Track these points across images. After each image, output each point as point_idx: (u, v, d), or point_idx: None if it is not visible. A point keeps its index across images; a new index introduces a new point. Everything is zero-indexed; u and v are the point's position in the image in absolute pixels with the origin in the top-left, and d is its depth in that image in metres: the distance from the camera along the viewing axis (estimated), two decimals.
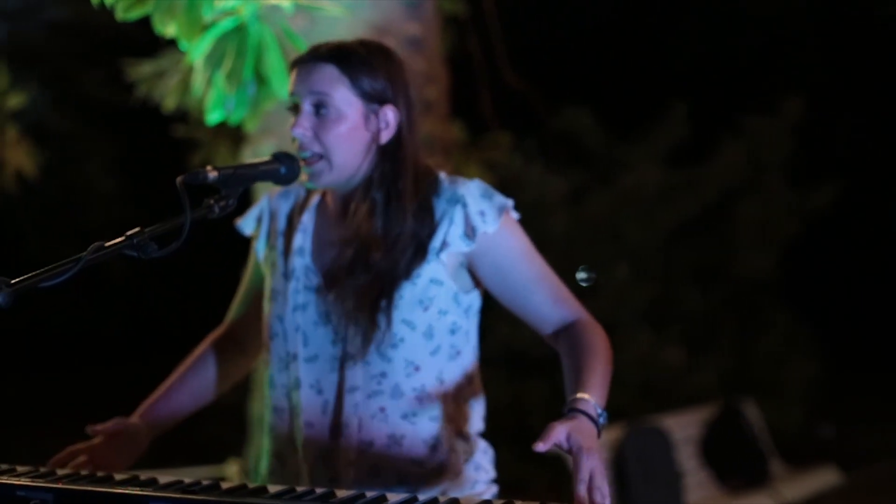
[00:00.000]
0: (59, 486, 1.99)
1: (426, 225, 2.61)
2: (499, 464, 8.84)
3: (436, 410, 2.61)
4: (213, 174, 2.37)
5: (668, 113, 10.84)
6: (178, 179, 2.26)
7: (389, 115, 2.64)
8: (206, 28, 3.63)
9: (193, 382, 2.86)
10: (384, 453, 2.57)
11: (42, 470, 2.25)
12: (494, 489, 2.74)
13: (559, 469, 6.91)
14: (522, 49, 10.46)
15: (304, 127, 2.58)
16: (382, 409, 2.57)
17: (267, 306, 2.72)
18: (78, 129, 12.87)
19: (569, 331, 2.63)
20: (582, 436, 2.27)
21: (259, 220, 2.83)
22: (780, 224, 10.81)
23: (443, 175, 2.71)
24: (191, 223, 2.25)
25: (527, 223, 8.71)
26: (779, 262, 10.84)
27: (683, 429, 7.76)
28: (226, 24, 3.64)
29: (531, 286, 2.64)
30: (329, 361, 2.59)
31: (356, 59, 2.61)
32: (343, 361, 2.57)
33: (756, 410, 8.30)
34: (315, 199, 2.77)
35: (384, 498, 2.00)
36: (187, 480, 2.08)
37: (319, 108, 2.58)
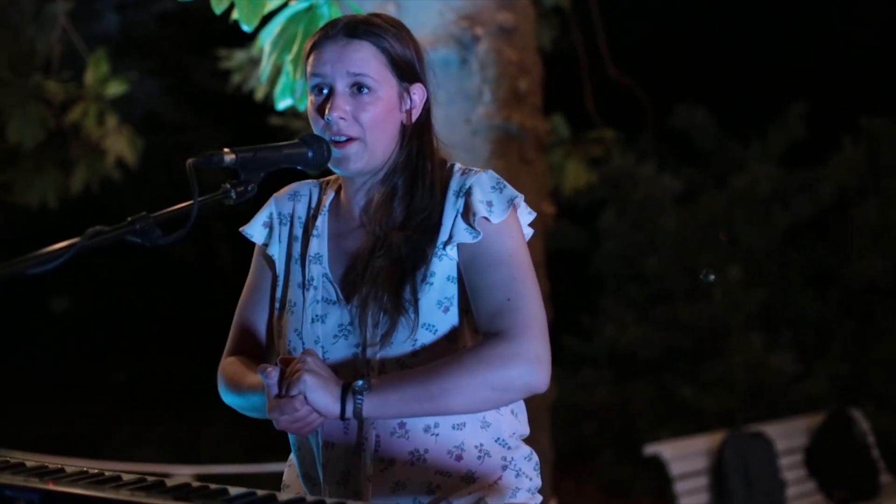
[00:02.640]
0: (48, 487, 1.92)
1: (439, 213, 2.47)
2: (602, 465, 8.74)
3: (461, 418, 2.44)
4: (229, 157, 2.23)
5: (785, 113, 10.60)
6: (189, 162, 2.15)
7: (419, 92, 2.53)
8: (273, 12, 3.55)
9: None
10: (407, 470, 2.42)
11: (30, 465, 2.17)
12: (538, 500, 2.55)
13: (663, 471, 6.76)
14: (633, 45, 10.33)
15: (342, 110, 2.42)
16: (402, 425, 2.42)
17: (284, 318, 2.57)
18: (188, 118, 13.01)
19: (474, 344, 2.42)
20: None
21: (270, 226, 2.66)
22: None
23: (457, 166, 2.54)
24: (206, 209, 2.13)
25: (638, 221, 8.55)
26: None
27: (789, 436, 7.53)
28: (296, 5, 3.55)
29: (481, 294, 2.41)
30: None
31: (390, 36, 2.47)
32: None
33: (867, 420, 8.02)
34: (328, 199, 2.62)
35: None
36: (195, 485, 1.97)
37: (358, 88, 2.44)
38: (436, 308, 2.42)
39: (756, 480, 6.95)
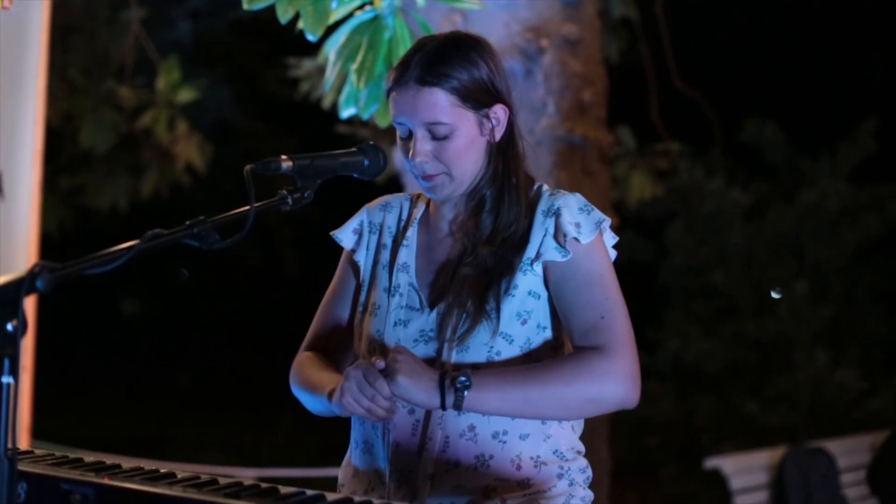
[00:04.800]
0: (104, 481, 1.96)
1: (526, 228, 2.54)
2: (665, 479, 8.69)
3: (528, 429, 2.51)
4: (287, 164, 2.28)
5: (855, 129, 10.51)
6: (246, 168, 2.19)
7: (500, 112, 2.56)
8: (339, 22, 3.59)
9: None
10: (470, 474, 2.48)
11: (88, 460, 2.22)
12: None
13: (724, 485, 6.74)
14: (700, 58, 10.28)
15: (423, 154, 2.50)
16: (472, 428, 2.48)
17: (366, 320, 2.63)
18: (257, 125, 13.11)
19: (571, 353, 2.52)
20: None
21: (360, 233, 2.73)
22: None
23: (545, 187, 2.62)
24: (263, 214, 2.18)
25: (705, 235, 8.49)
26: None
27: (851, 454, 7.45)
28: (361, 16, 3.59)
29: (574, 311, 2.49)
30: None
31: (459, 71, 2.50)
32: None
33: None
34: (419, 212, 2.69)
35: None
36: (248, 482, 2.01)
37: (434, 132, 2.50)
38: (515, 319, 2.48)
39: (816, 496, 6.90)
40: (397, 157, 5.92)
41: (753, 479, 6.84)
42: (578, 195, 2.57)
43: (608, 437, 6.29)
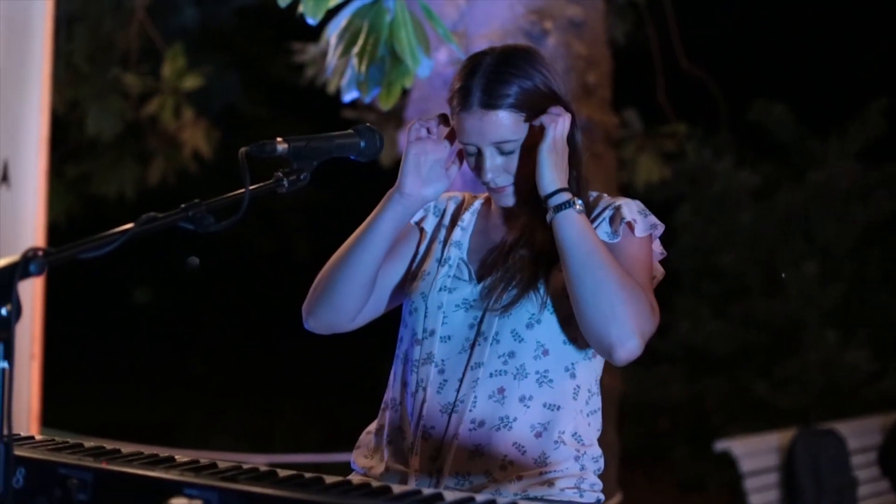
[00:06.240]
0: (101, 465, 1.96)
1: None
2: (676, 461, 8.68)
3: (553, 398, 2.58)
4: (282, 146, 2.29)
5: (865, 108, 10.48)
6: (241, 151, 2.20)
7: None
8: (339, 6, 3.58)
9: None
10: (491, 434, 2.54)
11: (88, 445, 2.22)
12: (599, 497, 2.64)
13: (735, 468, 6.73)
14: (707, 39, 10.23)
15: (493, 170, 2.60)
16: (501, 391, 2.56)
17: (414, 284, 2.72)
18: (264, 111, 13.10)
19: None
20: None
21: (427, 211, 2.83)
22: None
23: (605, 195, 2.73)
24: (259, 197, 2.18)
25: (714, 216, 8.49)
26: None
27: (862, 436, 7.44)
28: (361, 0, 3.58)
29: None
30: (461, 343, 2.60)
31: (518, 88, 2.57)
32: (474, 343, 2.58)
33: None
34: (478, 202, 2.83)
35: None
36: (245, 467, 2.01)
37: (502, 149, 2.59)
38: (561, 292, 2.55)
39: (827, 478, 6.88)
40: (402, 140, 5.93)
41: (763, 462, 6.83)
42: (638, 202, 2.69)
43: (616, 420, 6.28)
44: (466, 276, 2.67)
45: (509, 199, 2.64)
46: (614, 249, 2.56)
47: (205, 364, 15.34)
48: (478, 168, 2.62)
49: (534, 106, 2.57)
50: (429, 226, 2.82)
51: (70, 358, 11.61)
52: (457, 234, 2.74)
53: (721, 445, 6.81)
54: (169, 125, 8.94)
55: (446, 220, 2.81)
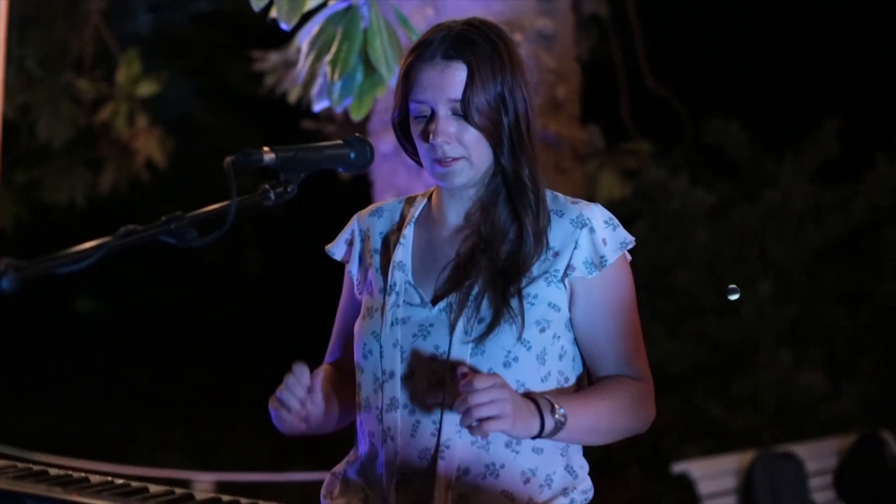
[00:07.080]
0: (72, 498, 1.85)
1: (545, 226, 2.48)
2: (629, 480, 8.65)
3: (542, 443, 2.41)
4: (269, 156, 2.17)
5: (819, 129, 10.49)
6: (227, 160, 2.08)
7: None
8: (311, 12, 3.48)
9: (339, 397, 2.61)
10: (478, 483, 2.39)
11: (53, 473, 2.08)
12: None
13: (690, 489, 6.68)
14: (670, 56, 10.23)
15: (446, 134, 2.40)
16: (484, 435, 2.33)
17: (363, 323, 2.53)
18: (220, 120, 13.00)
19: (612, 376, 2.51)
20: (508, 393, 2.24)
21: (350, 243, 2.66)
22: None
23: (559, 194, 2.57)
24: (244, 210, 2.06)
25: (670, 234, 8.45)
26: None
27: (819, 458, 7.44)
28: (336, 5, 3.49)
29: (612, 339, 2.48)
30: (426, 377, 2.41)
31: (485, 52, 2.42)
32: (445, 378, 2.38)
33: None
34: (416, 210, 2.59)
35: None
36: (226, 499, 1.90)
37: (457, 110, 2.41)
38: (534, 326, 2.41)
39: (785, 501, 6.87)
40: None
41: (721, 484, 6.81)
42: (600, 206, 2.54)
43: None
44: (418, 301, 2.47)
45: (460, 177, 2.44)
46: (598, 291, 2.46)
47: (152, 377, 15.17)
48: (425, 134, 2.43)
49: (498, 79, 2.41)
50: (354, 268, 2.64)
51: (12, 370, 11.44)
52: (398, 253, 2.53)
53: (679, 467, 6.78)
54: (122, 132, 8.83)
55: (377, 244, 2.61)
